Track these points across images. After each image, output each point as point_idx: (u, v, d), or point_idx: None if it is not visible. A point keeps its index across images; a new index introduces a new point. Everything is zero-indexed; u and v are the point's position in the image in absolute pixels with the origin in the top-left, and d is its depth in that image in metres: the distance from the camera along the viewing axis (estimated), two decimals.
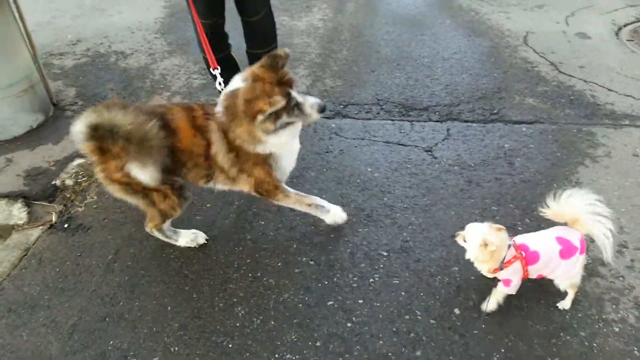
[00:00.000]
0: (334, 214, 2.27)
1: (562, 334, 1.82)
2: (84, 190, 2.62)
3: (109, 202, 2.53)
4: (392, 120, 3.04)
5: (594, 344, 1.79)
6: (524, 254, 1.75)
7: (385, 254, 2.18)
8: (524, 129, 2.88)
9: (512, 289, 1.80)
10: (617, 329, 1.84)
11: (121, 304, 2.03)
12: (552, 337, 1.82)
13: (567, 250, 1.73)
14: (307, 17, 4.41)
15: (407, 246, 2.21)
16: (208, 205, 2.49)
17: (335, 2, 4.72)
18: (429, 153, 2.76)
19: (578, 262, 1.76)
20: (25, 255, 2.28)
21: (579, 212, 1.73)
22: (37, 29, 4.41)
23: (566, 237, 1.75)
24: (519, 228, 2.25)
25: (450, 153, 2.73)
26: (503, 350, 1.77)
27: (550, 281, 1.86)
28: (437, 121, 3.01)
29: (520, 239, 1.81)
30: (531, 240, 1.80)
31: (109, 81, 3.57)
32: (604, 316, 1.88)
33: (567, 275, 1.78)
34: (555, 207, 1.76)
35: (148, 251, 2.26)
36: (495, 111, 3.04)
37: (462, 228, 2.25)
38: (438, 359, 1.77)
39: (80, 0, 5.03)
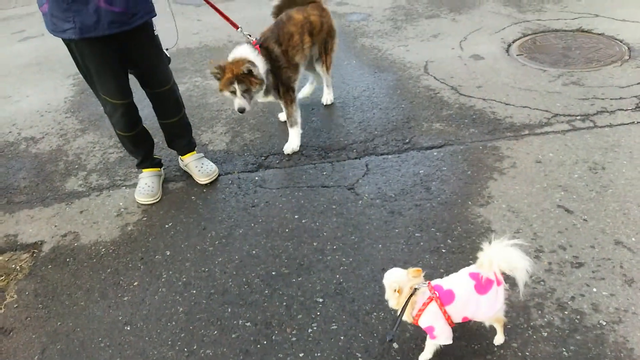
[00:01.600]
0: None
1: (495, 349, 1.88)
2: (3, 290, 2.46)
3: (30, 298, 2.40)
4: (314, 164, 3.11)
5: (527, 353, 1.86)
6: (437, 293, 1.72)
7: (320, 300, 2.19)
8: (435, 154, 3.04)
9: (442, 338, 1.75)
10: (545, 334, 1.92)
11: None
12: (487, 353, 1.88)
13: (481, 285, 1.70)
14: None
15: (341, 288, 2.23)
16: (135, 283, 2.41)
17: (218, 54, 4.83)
18: (352, 191, 2.84)
19: (498, 294, 1.72)
20: None
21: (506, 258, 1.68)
22: None
23: (479, 272, 1.71)
24: (442, 250, 2.33)
25: (371, 187, 2.82)
26: None
27: None
28: (355, 158, 3.12)
29: (435, 281, 1.79)
30: (445, 280, 1.78)
31: (20, 170, 3.44)
32: (531, 323, 1.97)
33: (492, 312, 1.74)
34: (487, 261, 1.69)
35: (76, 344, 2.14)
36: (407, 140, 3.19)
37: (391, 260, 2.34)
38: None
39: None
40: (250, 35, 2.95)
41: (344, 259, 2.39)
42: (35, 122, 4.07)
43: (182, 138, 3.07)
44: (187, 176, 3.14)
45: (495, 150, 3.00)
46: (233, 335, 2.08)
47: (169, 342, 2.09)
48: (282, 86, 3.07)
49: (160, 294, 2.34)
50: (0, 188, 3.28)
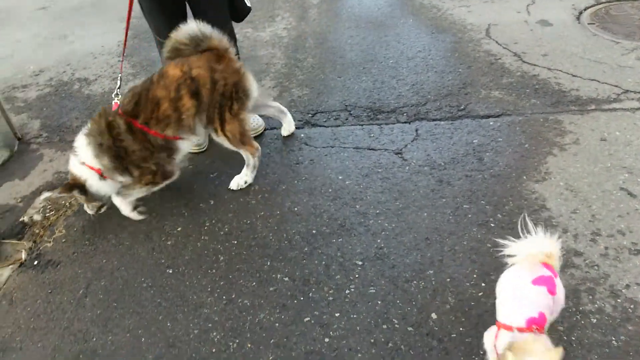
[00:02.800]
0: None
1: None
2: (52, 224, 2.56)
3: (77, 234, 2.48)
4: (361, 125, 3.02)
5: (573, 338, 1.78)
6: (534, 327, 1.48)
7: (360, 263, 2.16)
8: (491, 123, 2.88)
9: None
10: (594, 320, 1.83)
11: (94, 339, 1.99)
12: None
13: (550, 284, 1.54)
14: (270, 28, 4.39)
15: (381, 253, 2.19)
16: (179, 229, 2.45)
17: (298, 9, 4.71)
18: (399, 155, 2.75)
19: (559, 286, 1.58)
20: None
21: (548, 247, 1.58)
22: None
23: (537, 274, 1.55)
24: (491, 224, 2.24)
25: (419, 154, 2.72)
26: (482, 353, 1.76)
27: None
28: (405, 122, 3.01)
29: (518, 315, 1.51)
30: (523, 307, 1.53)
31: (73, 109, 3.52)
32: (580, 308, 1.88)
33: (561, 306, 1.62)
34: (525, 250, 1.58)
35: (120, 282, 2.22)
36: (462, 107, 3.04)
37: (436, 230, 2.26)
38: None
39: (41, 30, 4.96)
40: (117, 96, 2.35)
41: (386, 224, 2.33)
42: (88, 63, 4.13)
43: None
44: None
45: (558, 124, 2.81)
46: (271, 289, 2.09)
47: (209, 289, 2.13)
48: (155, 175, 2.37)
49: (202, 241, 2.37)
50: (54, 126, 3.38)
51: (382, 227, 2.32)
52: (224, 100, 2.33)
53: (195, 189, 2.68)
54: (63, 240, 2.46)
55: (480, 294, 1.96)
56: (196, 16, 2.68)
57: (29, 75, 4.09)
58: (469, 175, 2.53)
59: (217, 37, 2.30)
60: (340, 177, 2.64)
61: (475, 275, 2.03)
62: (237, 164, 2.80)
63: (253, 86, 2.44)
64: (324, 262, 2.18)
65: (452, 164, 2.62)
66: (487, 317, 1.86)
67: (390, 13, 4.42)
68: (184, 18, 2.70)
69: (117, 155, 2.25)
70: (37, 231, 2.53)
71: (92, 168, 2.27)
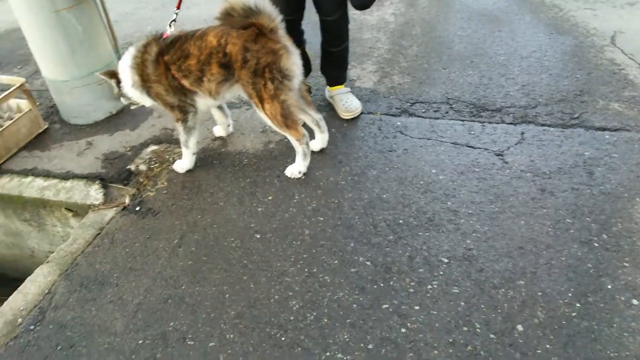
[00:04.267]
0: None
1: None
2: (156, 176, 2.74)
3: (177, 189, 2.64)
4: (462, 120, 2.92)
5: None
6: None
7: (445, 260, 2.11)
8: (607, 137, 2.67)
9: None
10: None
11: (183, 287, 2.12)
12: None
13: None
14: (378, 12, 4.34)
15: (470, 254, 2.13)
16: (270, 197, 2.53)
17: None
18: (500, 157, 2.63)
19: None
20: (99, 234, 2.44)
21: None
22: (120, 19, 4.68)
23: None
24: (595, 244, 2.09)
25: (523, 158, 2.59)
26: None
27: (625, 303, 1.71)
28: (510, 123, 2.86)
29: None
30: None
31: None
32: None
33: None
34: None
35: (211, 239, 2.33)
36: (575, 115, 2.84)
37: (532, 240, 2.15)
38: None
39: None
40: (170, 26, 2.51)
41: (478, 226, 2.25)
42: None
43: (336, 69, 3.05)
44: (330, 107, 3.14)
45: None
46: (352, 270, 2.11)
47: (292, 259, 2.18)
48: (163, 102, 2.59)
49: (290, 212, 2.43)
50: None
51: (474, 228, 2.24)
52: (258, 79, 2.32)
53: (289, 162, 2.74)
54: (164, 192, 2.63)
55: (573, 314, 1.84)
56: None
57: (146, 34, 4.36)
58: (575, 189, 2.37)
59: (268, 15, 2.24)
60: (433, 171, 2.58)
61: (570, 294, 1.91)
62: (330, 143, 2.82)
63: (293, 68, 2.35)
64: (408, 253, 2.15)
65: (558, 174, 2.46)
66: (578, 339, 1.75)
67: (506, 8, 4.20)
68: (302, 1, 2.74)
69: (142, 75, 2.50)
70: (141, 180, 2.73)
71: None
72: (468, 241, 2.19)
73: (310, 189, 2.56)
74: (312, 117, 2.67)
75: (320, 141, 2.77)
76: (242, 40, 2.26)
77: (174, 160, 2.82)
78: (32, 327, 2.04)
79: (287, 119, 2.41)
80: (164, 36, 2.44)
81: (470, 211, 2.34)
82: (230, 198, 2.55)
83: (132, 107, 3.07)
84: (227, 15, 2.29)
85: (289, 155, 2.79)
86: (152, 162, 2.83)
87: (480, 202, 2.37)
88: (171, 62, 2.40)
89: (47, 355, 1.92)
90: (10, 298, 2.20)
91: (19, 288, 2.24)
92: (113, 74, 2.58)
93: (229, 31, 2.29)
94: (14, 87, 2.99)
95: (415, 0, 4.52)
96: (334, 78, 3.09)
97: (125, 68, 2.50)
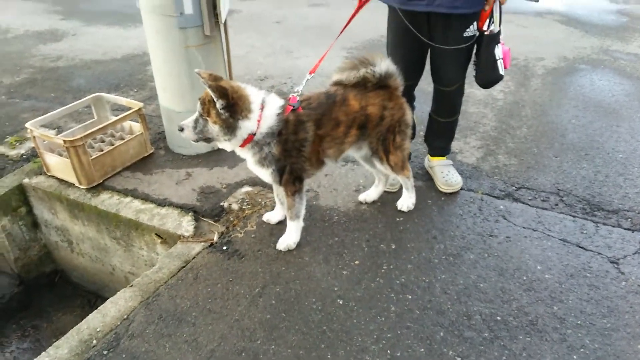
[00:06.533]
0: None
1: None
2: (247, 217, 2.74)
3: (266, 234, 2.61)
4: (573, 216, 2.69)
5: None
6: None
7: None
8: None
9: None
10: None
11: (258, 342, 2.03)
12: None
13: None
14: None
15: None
16: (356, 262, 2.42)
17: (519, 75, 4.49)
18: (615, 265, 2.37)
19: None
20: (184, 267, 2.44)
21: None
22: (233, 60, 4.93)
23: None
24: None
25: None
26: None
27: None
28: (628, 229, 2.60)
29: None
30: None
31: None
32: None
33: None
34: None
35: (292, 294, 2.25)
36: None
37: None
38: None
39: (273, 42, 5.54)
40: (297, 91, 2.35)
41: (587, 341, 2.00)
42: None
43: (441, 140, 2.97)
44: (428, 177, 3.04)
45: None
46: None
47: (374, 336, 2.04)
48: (289, 173, 2.33)
49: (376, 283, 2.30)
50: None
51: (582, 343, 1.99)
52: (389, 134, 2.48)
53: (380, 227, 2.64)
54: (252, 236, 2.61)
55: None
56: (433, 65, 2.68)
57: (255, 78, 4.57)
58: None
59: (397, 77, 2.42)
60: (539, 267, 2.36)
61: None
62: (424, 215, 2.70)
63: (410, 116, 2.56)
64: (504, 358, 1.94)
65: None
66: None
67: (626, 103, 3.96)
68: (422, 66, 2.73)
69: (285, 147, 2.26)
70: (232, 219, 2.73)
71: (258, 120, 2.18)
72: (574, 357, 1.94)
73: (400, 261, 2.42)
74: (379, 171, 2.73)
75: (374, 191, 2.85)
76: (380, 100, 2.41)
77: (265, 205, 2.82)
78: (105, 352, 2.03)
79: (404, 164, 2.61)
80: (291, 100, 2.33)
81: (579, 322, 2.09)
82: (316, 255, 2.47)
83: (197, 143, 2.34)
84: (361, 81, 2.39)
85: (379, 220, 2.70)
86: (245, 203, 2.84)
87: (591, 314, 2.12)
88: (326, 135, 2.33)
89: None
90: (90, 316, 2.22)
91: (99, 308, 2.26)
92: (225, 94, 2.08)
93: (365, 93, 2.40)
94: (132, 110, 3.18)
95: (527, 80, 4.39)
96: (437, 149, 3.00)
97: (268, 120, 2.20)
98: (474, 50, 2.59)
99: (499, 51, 2.49)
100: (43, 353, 2.06)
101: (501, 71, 2.50)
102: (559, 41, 5.44)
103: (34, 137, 3.02)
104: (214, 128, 2.17)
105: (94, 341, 2.08)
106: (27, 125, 3.02)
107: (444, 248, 2.50)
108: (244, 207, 2.82)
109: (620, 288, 2.25)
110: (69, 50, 5.52)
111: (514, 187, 2.94)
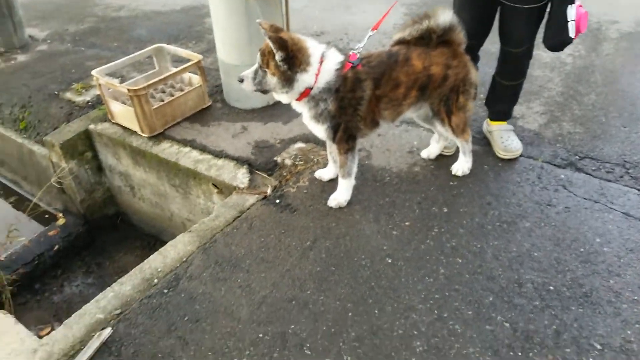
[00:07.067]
0: None
1: None
2: (299, 173, 2.78)
3: (317, 190, 2.65)
4: (639, 190, 2.56)
5: None
6: None
7: (598, 347, 1.85)
8: None
9: None
10: None
11: (308, 292, 2.10)
12: None
13: None
14: None
15: (628, 348, 1.84)
16: (407, 223, 2.43)
17: (591, 39, 4.20)
18: None
19: None
20: (239, 217, 2.53)
21: None
22: (290, 14, 4.87)
23: None
24: None
25: None
26: None
27: None
28: None
29: None
30: None
31: None
32: None
33: None
34: None
35: (342, 249, 2.30)
36: None
37: None
38: None
39: None
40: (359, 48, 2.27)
41: None
42: (364, 37, 4.34)
43: (504, 103, 2.86)
44: (486, 142, 2.95)
45: None
46: (487, 327, 1.93)
47: (422, 295, 2.07)
48: (344, 131, 2.30)
49: (426, 245, 2.30)
50: None
51: (638, 319, 1.94)
52: (452, 94, 2.42)
53: (432, 190, 2.62)
54: (304, 191, 2.65)
55: None
56: (502, 25, 2.55)
57: (311, 33, 4.51)
58: None
59: (460, 32, 2.33)
60: (597, 240, 2.29)
61: None
62: (479, 180, 2.65)
63: (475, 75, 2.48)
64: (554, 327, 1.92)
65: None
66: None
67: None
68: (490, 25, 2.60)
69: (341, 104, 2.24)
70: (285, 174, 2.79)
71: (316, 74, 2.17)
72: (629, 332, 1.89)
73: (452, 224, 2.41)
74: (440, 133, 2.70)
75: (430, 150, 2.83)
76: (444, 59, 2.34)
77: (318, 162, 2.84)
78: (165, 291, 2.16)
79: (465, 126, 2.55)
80: (351, 57, 2.26)
81: (636, 297, 2.03)
82: (366, 213, 2.49)
83: (254, 92, 2.33)
84: (425, 35, 2.30)
85: (432, 183, 2.67)
86: (298, 159, 2.88)
87: None
88: (384, 95, 2.29)
89: (173, 322, 2.03)
90: (151, 257, 2.36)
91: (160, 250, 2.40)
92: (285, 46, 2.06)
93: (428, 52, 2.32)
94: (191, 62, 3.24)
95: (598, 45, 4.11)
96: (499, 113, 2.89)
97: (325, 75, 2.18)
98: (547, 10, 2.44)
99: (572, 12, 2.32)
100: (108, 288, 2.22)
101: (572, 34, 2.33)
102: (636, 4, 5.00)
103: (100, 84, 3.14)
104: (272, 80, 2.19)
105: (155, 280, 2.23)
106: (93, 72, 3.15)
107: (498, 215, 2.45)
108: (296, 162, 2.86)
109: None
110: (131, 0, 5.62)
111: (577, 157, 2.82)
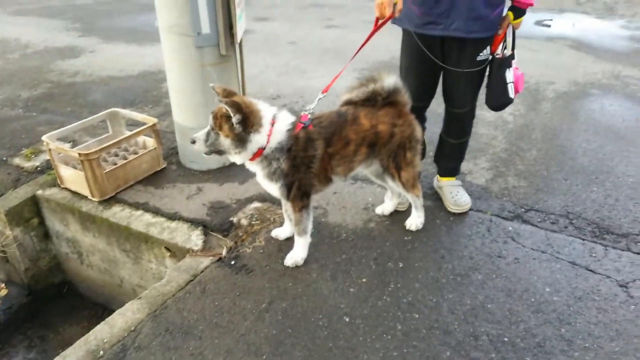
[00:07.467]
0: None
1: None
2: (255, 232, 2.76)
3: (274, 249, 2.63)
4: (582, 239, 2.68)
5: None
6: None
7: None
8: None
9: None
10: None
11: (264, 357, 2.03)
12: None
13: None
14: None
15: None
16: (364, 280, 2.43)
17: (530, 99, 4.52)
18: (624, 289, 2.35)
19: None
20: (192, 280, 2.45)
21: None
22: (247, 79, 5.02)
23: None
24: None
25: None
26: None
27: None
28: (637, 253, 2.58)
29: None
30: None
31: None
32: None
33: None
34: None
35: (299, 310, 2.26)
36: None
37: None
38: None
39: (287, 61, 5.64)
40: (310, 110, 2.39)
41: None
42: (324, 100, 4.51)
43: (451, 160, 2.99)
44: (436, 197, 3.05)
45: None
46: None
47: (380, 354, 2.03)
48: (297, 188, 2.35)
49: (383, 301, 2.30)
50: None
51: None
52: (400, 150, 2.52)
53: (388, 246, 2.65)
54: (261, 251, 2.62)
55: None
56: (446, 88, 2.72)
57: (267, 96, 4.64)
58: None
59: (405, 92, 2.47)
60: (547, 290, 2.35)
61: None
62: (432, 235, 2.71)
63: (420, 132, 2.60)
64: None
65: None
66: None
67: (637, 128, 3.96)
68: (434, 88, 2.77)
69: (294, 164, 2.29)
70: (241, 234, 2.76)
71: (268, 135, 2.22)
72: None
73: (407, 280, 2.42)
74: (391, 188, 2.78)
75: (389, 204, 2.90)
76: (390, 118, 2.45)
77: (274, 221, 2.84)
78: None
79: (415, 181, 2.64)
80: (302, 118, 2.35)
81: (586, 344, 2.06)
82: (323, 271, 2.48)
83: (209, 155, 2.36)
84: (371, 97, 2.44)
85: (388, 238, 2.71)
86: (254, 219, 2.87)
87: (599, 337, 2.10)
88: (335, 153, 2.37)
89: None
90: (97, 327, 2.24)
91: (107, 319, 2.28)
92: (240, 109, 2.12)
93: (375, 111, 2.44)
94: (146, 126, 3.25)
95: (537, 104, 4.41)
96: (447, 169, 3.02)
97: (277, 135, 2.24)
98: (486, 74, 2.63)
99: (510, 75, 2.52)
100: None
101: (511, 95, 2.53)
102: (570, 66, 5.47)
103: (50, 149, 3.09)
104: (225, 141, 2.22)
105: (101, 352, 2.10)
106: (44, 138, 3.09)
107: (451, 268, 2.49)
108: (253, 222, 2.84)
109: (629, 312, 2.22)
110: (87, 66, 5.66)
111: (523, 209, 2.94)
